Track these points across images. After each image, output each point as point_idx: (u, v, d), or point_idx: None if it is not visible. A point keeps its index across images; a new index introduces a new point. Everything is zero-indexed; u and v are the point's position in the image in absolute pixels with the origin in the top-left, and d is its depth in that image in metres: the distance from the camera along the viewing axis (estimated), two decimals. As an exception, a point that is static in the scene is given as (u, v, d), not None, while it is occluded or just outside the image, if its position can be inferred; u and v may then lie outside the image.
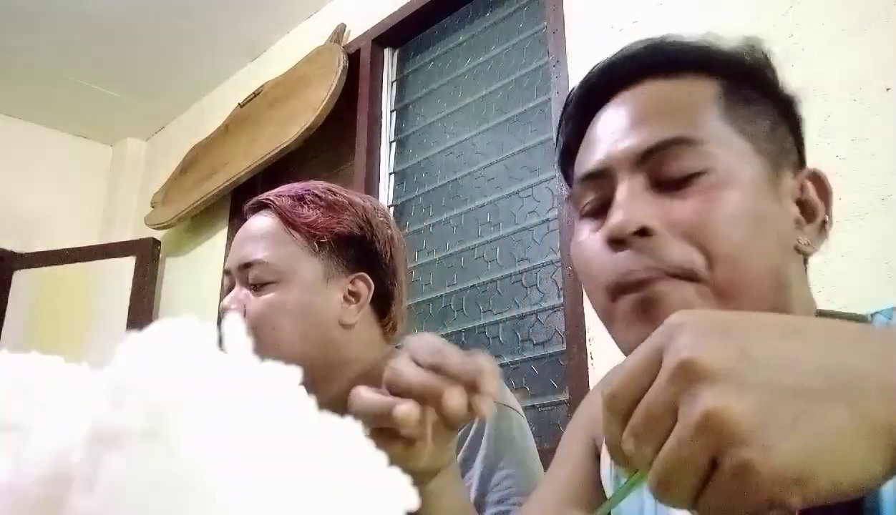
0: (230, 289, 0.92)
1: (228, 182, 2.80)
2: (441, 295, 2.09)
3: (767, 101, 0.58)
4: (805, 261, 0.60)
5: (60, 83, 3.26)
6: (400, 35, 2.52)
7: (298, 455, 0.20)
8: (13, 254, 3.23)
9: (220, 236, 3.00)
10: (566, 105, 0.64)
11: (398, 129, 2.47)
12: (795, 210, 0.56)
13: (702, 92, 0.56)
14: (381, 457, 0.21)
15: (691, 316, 0.35)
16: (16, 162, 3.41)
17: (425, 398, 0.49)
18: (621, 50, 0.61)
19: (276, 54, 2.99)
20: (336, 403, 0.77)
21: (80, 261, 3.15)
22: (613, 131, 0.57)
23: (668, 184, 0.53)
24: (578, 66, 1.85)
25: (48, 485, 0.21)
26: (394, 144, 2.45)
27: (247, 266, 0.89)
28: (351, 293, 0.90)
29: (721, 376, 0.32)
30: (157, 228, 3.15)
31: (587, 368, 1.59)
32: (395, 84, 2.54)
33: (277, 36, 3.00)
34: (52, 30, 2.93)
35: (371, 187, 2.36)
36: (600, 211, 0.56)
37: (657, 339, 0.34)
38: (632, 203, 0.53)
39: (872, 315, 0.57)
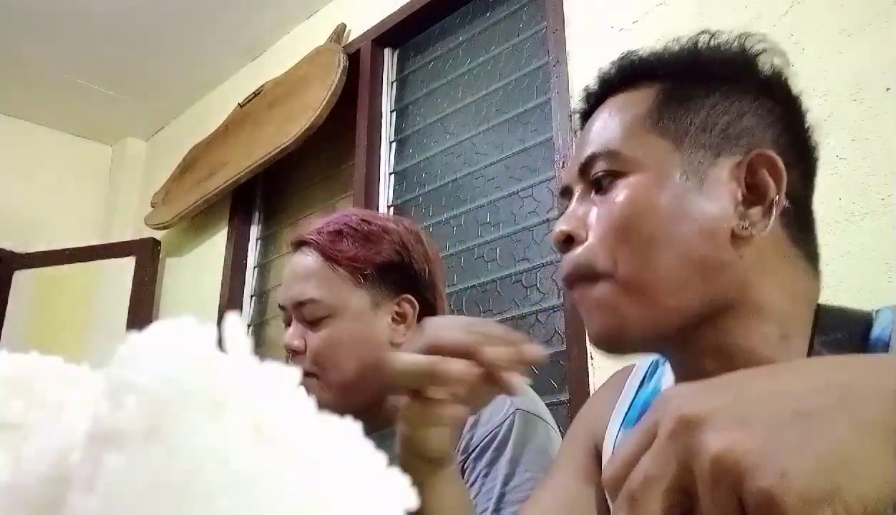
0: (288, 323, 0.99)
1: (228, 182, 2.80)
2: (443, 296, 2.09)
3: (719, 91, 0.60)
4: (807, 248, 0.60)
5: (60, 83, 3.26)
6: (400, 35, 2.52)
7: (298, 455, 0.20)
8: (13, 253, 3.23)
9: (220, 236, 3.00)
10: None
11: (398, 129, 2.47)
12: (737, 193, 0.57)
13: (639, 101, 0.61)
14: (381, 457, 0.21)
15: (680, 388, 0.36)
16: (16, 162, 3.41)
17: (469, 352, 0.50)
18: (599, 73, 0.67)
19: (276, 54, 2.99)
20: (392, 419, 0.75)
21: (80, 261, 3.15)
22: (576, 149, 0.64)
23: (598, 193, 0.59)
24: (578, 66, 1.85)
25: (48, 485, 0.21)
26: (394, 144, 2.45)
27: (300, 304, 0.96)
28: (398, 314, 0.98)
29: (720, 419, 0.32)
30: (157, 228, 3.15)
31: (587, 368, 1.59)
32: (395, 84, 2.54)
33: (277, 36, 3.00)
34: (51, 30, 2.93)
35: (371, 187, 2.36)
36: None
37: (651, 417, 0.35)
38: (566, 214, 0.60)
39: (877, 311, 0.57)
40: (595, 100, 0.66)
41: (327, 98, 2.44)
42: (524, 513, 0.69)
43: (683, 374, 0.61)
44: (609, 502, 0.35)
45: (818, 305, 0.59)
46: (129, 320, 2.96)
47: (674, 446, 0.32)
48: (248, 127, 2.84)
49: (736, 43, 0.63)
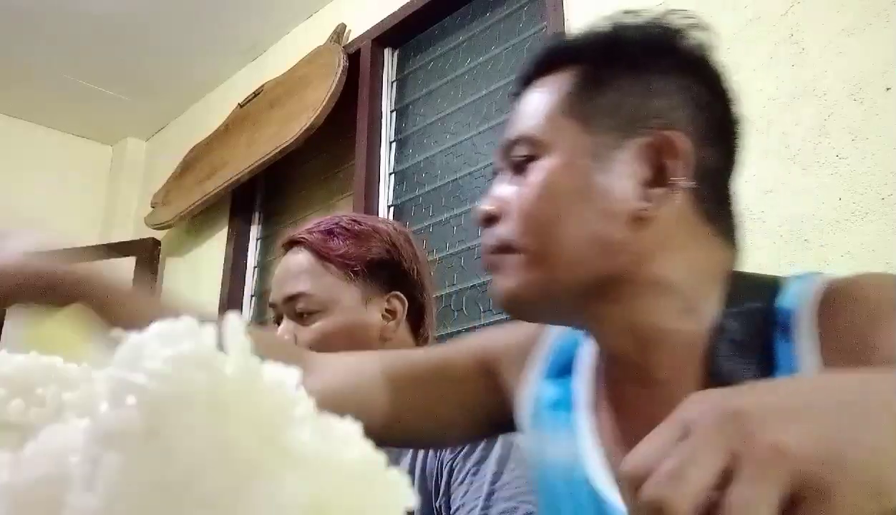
0: (277, 321, 1.01)
1: (228, 182, 2.80)
2: (441, 295, 2.09)
3: (634, 72, 0.62)
4: (723, 223, 0.62)
5: (60, 83, 3.26)
6: (400, 35, 2.52)
7: (298, 455, 0.20)
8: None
9: (220, 236, 3.00)
10: None
11: (398, 129, 2.47)
12: (641, 173, 0.59)
13: (558, 85, 0.63)
14: (381, 457, 0.21)
15: (711, 391, 0.36)
16: (16, 162, 3.40)
17: None
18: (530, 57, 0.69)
19: (276, 54, 2.99)
20: None
21: (80, 261, 3.14)
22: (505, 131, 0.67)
23: (517, 175, 0.63)
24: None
25: (48, 485, 0.21)
26: (394, 144, 2.45)
27: (291, 299, 0.98)
28: (388, 311, 1.00)
29: (771, 411, 0.32)
30: (158, 228, 3.15)
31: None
32: (395, 84, 2.54)
33: (277, 36, 3.00)
34: (52, 30, 2.93)
35: (371, 187, 2.36)
36: None
37: (681, 415, 0.34)
38: (489, 196, 0.64)
39: (789, 278, 0.59)
40: (524, 83, 0.67)
41: (327, 98, 2.44)
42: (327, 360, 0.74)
43: (600, 346, 0.65)
44: (622, 497, 0.34)
45: (732, 274, 0.61)
46: (129, 320, 2.96)
47: (722, 436, 0.32)
48: (248, 127, 2.84)
49: (655, 21, 0.64)
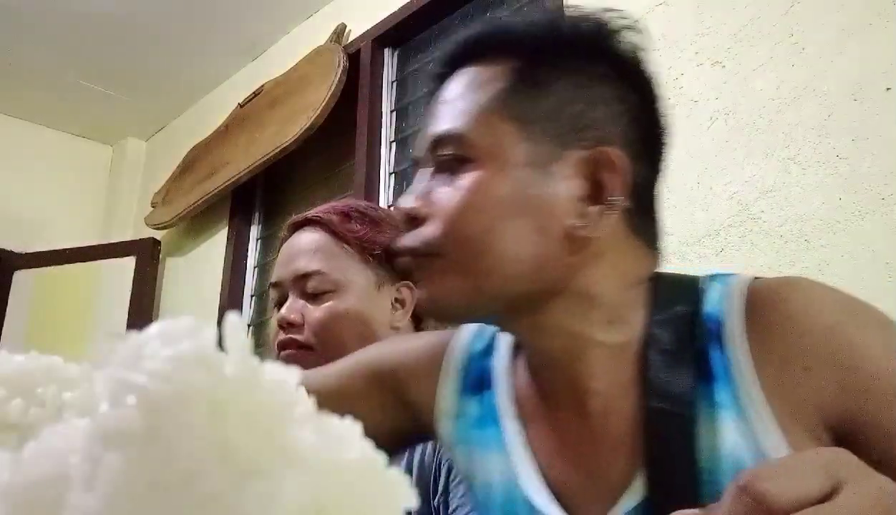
0: (280, 302, 0.97)
1: (228, 182, 2.80)
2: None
3: (573, 76, 0.59)
4: (647, 231, 0.60)
5: (60, 83, 3.26)
6: (400, 35, 2.52)
7: (298, 455, 0.20)
8: (13, 253, 3.22)
9: (220, 236, 3.00)
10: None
11: (398, 129, 2.47)
12: (578, 188, 0.57)
13: (492, 80, 0.59)
14: (381, 457, 0.21)
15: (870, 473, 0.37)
16: (16, 162, 3.40)
17: None
18: (462, 34, 0.65)
19: (276, 54, 2.99)
20: None
21: (80, 261, 3.14)
22: (428, 120, 0.63)
23: (443, 173, 0.59)
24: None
25: (48, 485, 0.21)
26: (394, 144, 2.45)
27: (304, 277, 0.95)
28: (397, 300, 0.99)
29: None
30: (157, 228, 3.15)
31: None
32: (395, 84, 2.54)
33: (277, 36, 3.00)
34: (52, 30, 2.93)
35: (371, 187, 2.36)
36: None
37: (832, 469, 0.35)
38: (413, 193, 0.60)
39: (709, 278, 0.59)
40: (449, 65, 0.63)
41: (327, 98, 2.44)
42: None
43: (529, 354, 0.63)
44: (731, 503, 0.34)
45: (656, 277, 0.60)
46: (129, 320, 2.96)
47: None
48: (248, 127, 2.84)
49: (593, 21, 0.61)
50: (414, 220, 0.59)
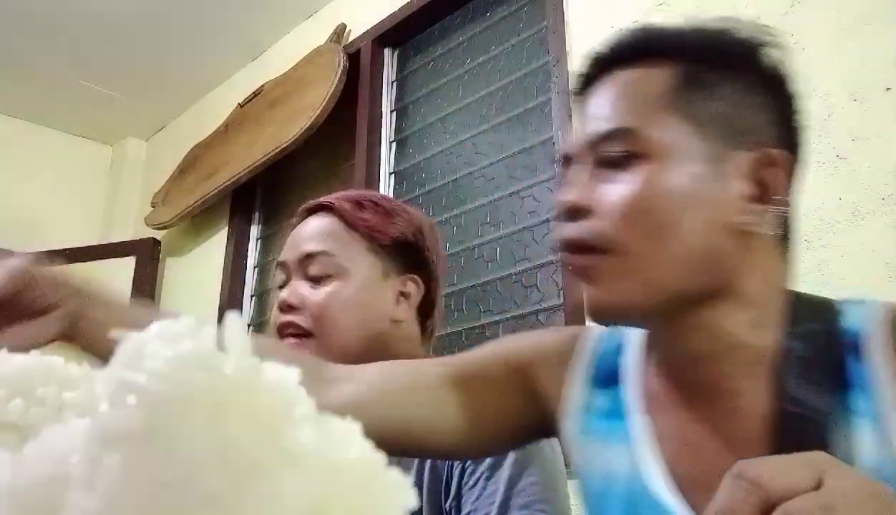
0: (284, 284, 0.96)
1: (228, 182, 2.80)
2: (441, 295, 2.09)
3: (735, 81, 0.61)
4: (787, 241, 0.62)
5: (60, 83, 3.26)
6: (400, 35, 2.52)
7: (298, 455, 0.20)
8: (13, 254, 3.22)
9: (220, 236, 3.00)
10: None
11: (398, 129, 2.47)
12: (746, 188, 0.59)
13: (655, 79, 0.61)
14: (381, 457, 0.21)
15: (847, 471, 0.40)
16: (16, 162, 3.40)
17: None
18: (608, 39, 0.66)
19: (276, 54, 2.99)
20: None
21: (80, 261, 3.14)
22: (586, 115, 0.64)
23: (608, 169, 0.59)
24: (578, 65, 1.85)
25: (48, 485, 0.21)
26: (394, 144, 2.45)
27: (308, 257, 0.94)
28: (402, 293, 0.97)
29: None
30: (158, 228, 3.15)
31: (587, 368, 1.58)
32: (395, 84, 2.54)
33: (277, 36, 3.00)
34: (52, 30, 2.93)
35: (371, 187, 2.36)
36: None
37: (815, 465, 0.39)
38: (571, 185, 0.60)
39: (842, 303, 0.61)
40: (600, 68, 0.64)
41: (327, 98, 2.44)
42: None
43: (671, 350, 0.63)
44: (728, 494, 0.38)
45: (792, 294, 0.62)
46: (129, 320, 2.96)
47: (870, 506, 0.37)
48: (248, 127, 2.84)
49: (748, 33, 0.63)
50: (576, 214, 0.59)
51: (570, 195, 0.59)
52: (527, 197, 1.97)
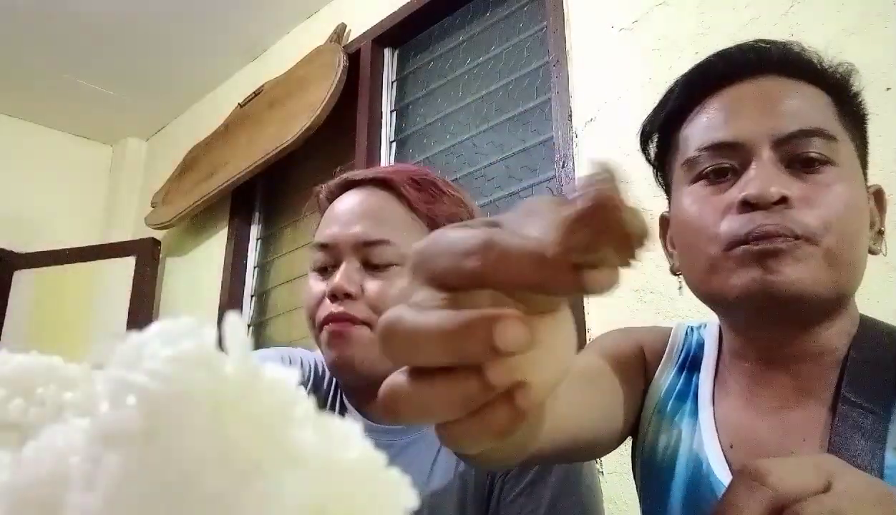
0: (323, 266, 0.84)
1: (228, 182, 2.80)
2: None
3: (858, 117, 0.70)
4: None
5: (60, 83, 3.26)
6: (400, 35, 2.52)
7: (298, 455, 0.20)
8: (13, 253, 3.23)
9: (220, 236, 3.00)
10: (673, 86, 0.72)
11: (398, 129, 2.47)
12: (872, 214, 0.67)
13: (822, 98, 0.66)
14: (381, 457, 0.21)
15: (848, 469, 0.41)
16: (16, 162, 3.41)
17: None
18: (733, 47, 0.70)
19: (276, 54, 2.99)
20: None
21: (80, 261, 3.15)
22: (751, 111, 0.65)
23: (798, 166, 0.62)
24: (579, 65, 1.85)
25: (48, 485, 0.20)
26: (394, 144, 2.45)
27: (369, 244, 0.81)
28: None
29: None
30: (158, 228, 3.15)
31: (587, 368, 1.58)
32: (395, 84, 2.54)
33: (277, 36, 3.00)
34: (51, 30, 2.93)
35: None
36: (719, 176, 0.65)
37: (825, 468, 0.40)
38: (769, 176, 0.61)
39: None
40: (739, 68, 0.67)
41: (327, 98, 2.44)
42: None
43: (757, 349, 0.67)
44: (740, 488, 0.39)
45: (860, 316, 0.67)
46: (129, 320, 2.96)
47: (877, 509, 0.38)
48: (248, 127, 2.84)
49: (849, 72, 0.70)
50: (780, 204, 0.61)
51: (776, 186, 0.60)
52: (527, 197, 1.97)
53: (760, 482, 0.37)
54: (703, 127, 0.67)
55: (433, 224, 0.83)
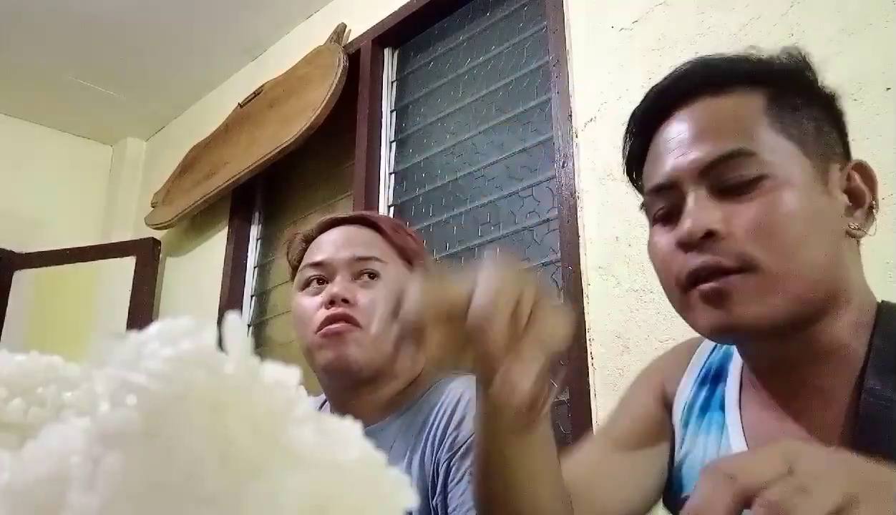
0: (315, 281, 1.00)
1: (228, 182, 2.80)
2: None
3: (811, 103, 0.66)
4: (858, 245, 0.67)
5: (60, 83, 3.26)
6: (400, 35, 2.52)
7: (298, 455, 0.20)
8: (13, 253, 3.22)
9: (220, 236, 3.00)
10: (628, 124, 0.74)
11: (398, 129, 2.47)
12: (845, 198, 0.64)
13: (751, 104, 0.64)
14: (381, 457, 0.21)
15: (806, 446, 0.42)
16: (16, 162, 3.41)
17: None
18: (673, 72, 0.69)
19: (276, 54, 2.99)
20: (380, 406, 0.93)
21: (80, 261, 3.15)
22: (676, 147, 0.65)
23: (729, 191, 0.62)
24: (578, 65, 1.85)
25: (48, 485, 0.21)
26: (394, 144, 2.45)
27: (362, 259, 0.99)
28: None
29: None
30: (158, 228, 3.15)
31: (587, 368, 1.58)
32: (395, 84, 2.54)
33: (277, 36, 3.00)
34: (51, 30, 2.93)
35: (371, 187, 2.36)
36: (669, 216, 0.66)
37: (786, 453, 0.40)
38: (698, 211, 0.62)
39: None
40: (672, 99, 0.67)
41: (327, 98, 2.44)
42: (579, 451, 0.76)
43: (765, 356, 0.67)
44: (705, 489, 0.39)
45: (879, 302, 0.66)
46: (129, 320, 2.96)
47: (842, 476, 0.38)
48: (248, 127, 2.84)
49: (804, 56, 0.68)
50: (707, 238, 0.61)
51: (703, 221, 0.61)
52: (527, 197, 1.97)
53: (724, 476, 0.38)
54: (649, 169, 0.69)
55: (404, 255, 1.03)
